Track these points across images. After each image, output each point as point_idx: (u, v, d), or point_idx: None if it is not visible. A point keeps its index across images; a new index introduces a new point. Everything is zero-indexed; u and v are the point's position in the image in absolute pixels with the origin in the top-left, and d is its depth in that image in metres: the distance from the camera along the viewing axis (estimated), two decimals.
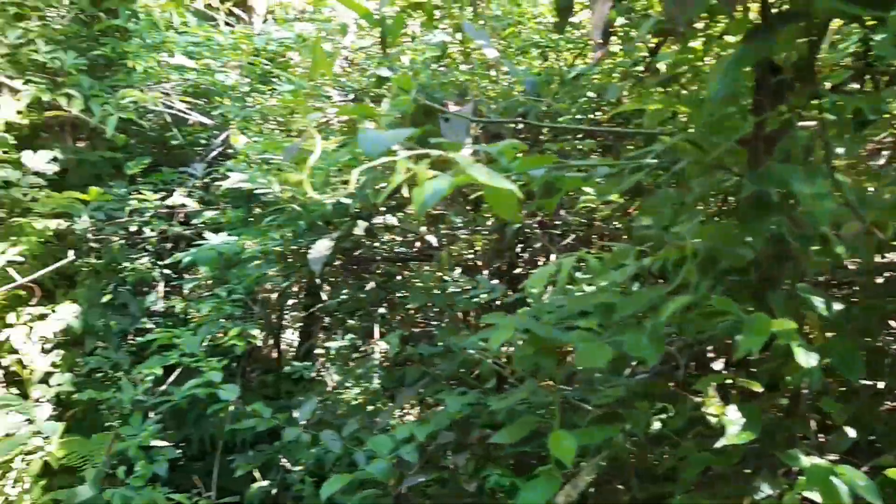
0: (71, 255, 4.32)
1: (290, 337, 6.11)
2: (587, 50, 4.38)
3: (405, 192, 1.72)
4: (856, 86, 2.51)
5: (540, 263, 3.85)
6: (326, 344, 4.40)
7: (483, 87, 4.17)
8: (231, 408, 3.65)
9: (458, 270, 4.23)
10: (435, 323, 4.65)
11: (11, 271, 4.16)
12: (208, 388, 3.28)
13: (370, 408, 3.71)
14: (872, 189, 2.28)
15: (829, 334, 2.03)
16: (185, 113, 5.06)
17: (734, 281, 2.05)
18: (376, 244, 4.53)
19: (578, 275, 2.59)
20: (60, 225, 4.23)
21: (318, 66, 2.90)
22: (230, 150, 5.13)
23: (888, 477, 1.77)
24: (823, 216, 1.75)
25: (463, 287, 3.36)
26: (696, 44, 2.75)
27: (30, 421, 3.78)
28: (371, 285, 4.09)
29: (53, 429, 3.76)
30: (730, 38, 2.65)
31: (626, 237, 3.66)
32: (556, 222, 4.19)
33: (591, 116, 4.02)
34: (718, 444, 1.89)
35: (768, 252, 1.96)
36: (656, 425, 2.34)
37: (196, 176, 4.65)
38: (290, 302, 5.35)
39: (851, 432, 2.18)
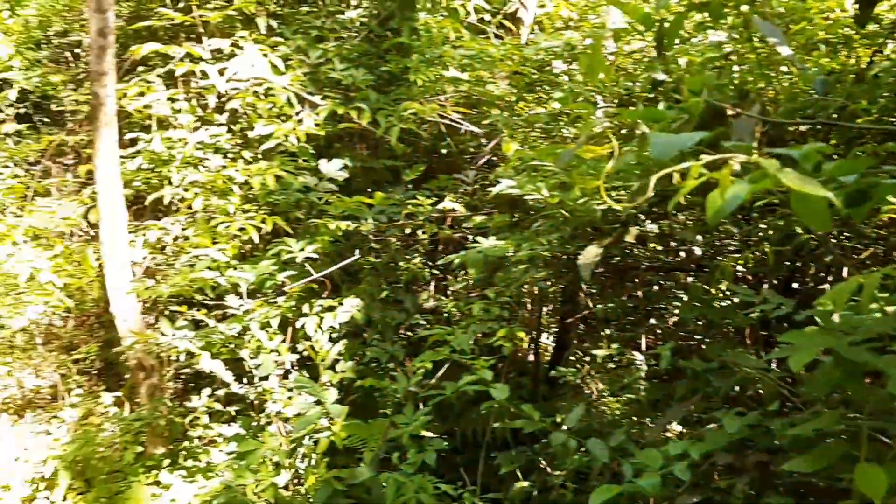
0: (356, 253, 4.73)
1: (544, 341, 6.18)
2: (884, 45, 3.95)
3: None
4: None
5: (829, 279, 3.51)
6: (593, 351, 4.38)
7: (760, 88, 3.92)
8: (495, 406, 3.77)
9: (730, 282, 4.00)
10: (699, 337, 4.44)
11: (308, 266, 4.66)
12: (480, 385, 3.40)
13: (635, 419, 3.63)
14: None
15: None
16: (457, 123, 5.33)
17: None
18: (639, 252, 4.43)
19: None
20: (348, 226, 4.65)
21: (594, 71, 2.89)
22: (497, 158, 5.32)
23: None
24: None
25: (741, 300, 3.17)
26: None
27: (319, 403, 4.17)
28: (636, 294, 4.00)
29: (339, 411, 4.12)
30: None
31: None
32: (846, 234, 3.81)
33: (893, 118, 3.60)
34: None
35: None
36: None
37: (466, 182, 4.88)
38: (547, 308, 5.42)
39: None
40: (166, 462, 4.70)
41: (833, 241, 3.43)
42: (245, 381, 4.73)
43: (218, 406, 4.82)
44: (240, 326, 4.56)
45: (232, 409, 4.91)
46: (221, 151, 5.30)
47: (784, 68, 3.90)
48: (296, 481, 4.29)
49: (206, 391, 4.91)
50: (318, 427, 4.17)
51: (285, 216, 4.95)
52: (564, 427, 3.26)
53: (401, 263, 5.01)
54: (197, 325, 4.80)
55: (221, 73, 5.16)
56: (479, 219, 4.76)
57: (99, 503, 4.57)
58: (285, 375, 4.78)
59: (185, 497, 4.40)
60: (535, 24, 6.70)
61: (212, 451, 4.77)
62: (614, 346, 3.82)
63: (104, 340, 5.71)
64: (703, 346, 3.86)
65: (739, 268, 4.41)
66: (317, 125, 4.98)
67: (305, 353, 4.66)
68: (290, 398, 4.58)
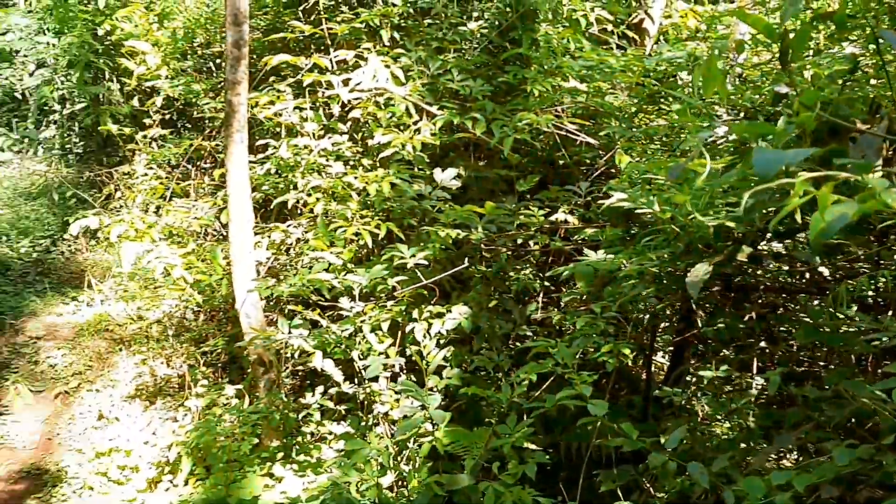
0: (466, 261, 4.79)
1: (660, 360, 6.01)
2: None
3: (797, 217, 1.58)
4: None
5: None
6: (700, 372, 4.22)
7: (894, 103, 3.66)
8: (598, 423, 3.70)
9: (855, 308, 3.75)
10: (821, 363, 4.19)
11: (418, 273, 4.76)
12: (578, 400, 3.37)
13: (742, 446, 3.47)
14: None
15: None
16: (573, 134, 5.29)
17: None
18: (759, 272, 4.23)
19: None
20: (459, 234, 4.72)
21: (710, 84, 2.81)
22: (612, 170, 5.23)
23: None
24: None
25: (864, 327, 2.96)
26: None
27: (423, 407, 4.25)
28: (751, 315, 3.83)
29: (442, 417, 4.18)
30: None
31: None
32: None
33: None
34: None
35: None
36: None
37: (579, 194, 4.83)
38: (662, 325, 5.27)
39: None
40: (280, 455, 4.92)
41: None
42: (355, 381, 4.89)
43: (330, 404, 5.00)
44: (352, 328, 4.72)
45: (342, 408, 5.08)
46: (343, 159, 5.52)
47: None
48: (400, 483, 4.39)
49: (320, 389, 5.11)
50: (421, 431, 4.25)
51: (399, 222, 5.09)
52: (666, 449, 3.16)
53: (511, 273, 5.02)
54: (314, 324, 5.01)
55: (346, 83, 5.37)
56: (590, 231, 4.70)
57: (216, 490, 4.84)
58: (393, 378, 4.90)
59: (295, 490, 4.59)
60: (661, 35, 6.56)
61: (322, 447, 4.96)
62: (724, 367, 3.66)
63: (230, 335, 6.05)
64: (821, 373, 3.64)
65: (871, 292, 4.13)
66: (433, 134, 5.08)
67: (413, 358, 4.76)
68: (397, 401, 4.70)
